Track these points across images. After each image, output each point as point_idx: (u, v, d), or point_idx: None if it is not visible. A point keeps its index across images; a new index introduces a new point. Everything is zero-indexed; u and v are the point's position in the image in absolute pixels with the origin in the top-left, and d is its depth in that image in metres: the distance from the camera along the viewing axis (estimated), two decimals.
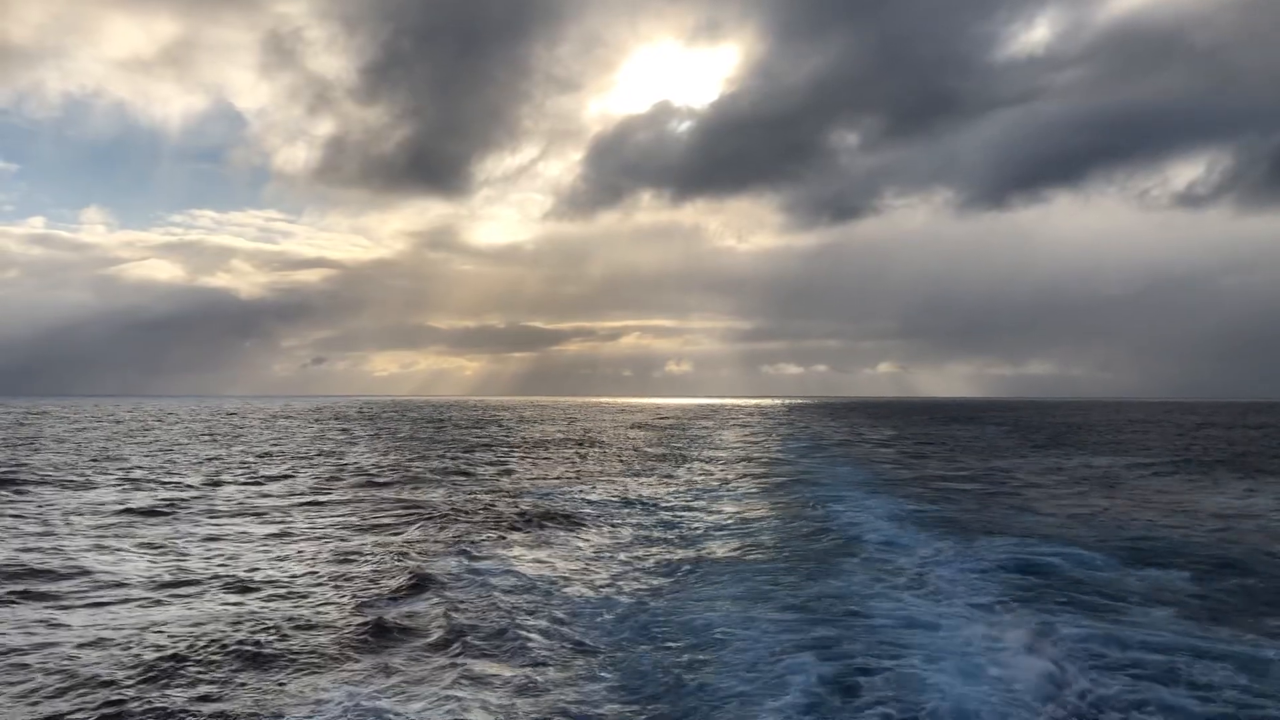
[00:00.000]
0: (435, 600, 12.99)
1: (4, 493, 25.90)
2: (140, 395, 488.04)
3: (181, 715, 8.67)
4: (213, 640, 10.97)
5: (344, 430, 70.51)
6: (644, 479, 31.91)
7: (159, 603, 13.26)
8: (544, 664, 10.24)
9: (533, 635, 11.29)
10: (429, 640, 11.14)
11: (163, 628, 11.73)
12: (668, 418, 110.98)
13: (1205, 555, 16.73)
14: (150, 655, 10.42)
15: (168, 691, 9.30)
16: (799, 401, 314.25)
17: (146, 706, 8.84)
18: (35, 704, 9.04)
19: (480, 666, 10.10)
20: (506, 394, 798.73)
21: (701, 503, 25.15)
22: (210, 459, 39.56)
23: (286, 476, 31.87)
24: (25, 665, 10.18)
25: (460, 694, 9.23)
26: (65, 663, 10.26)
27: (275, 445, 50.46)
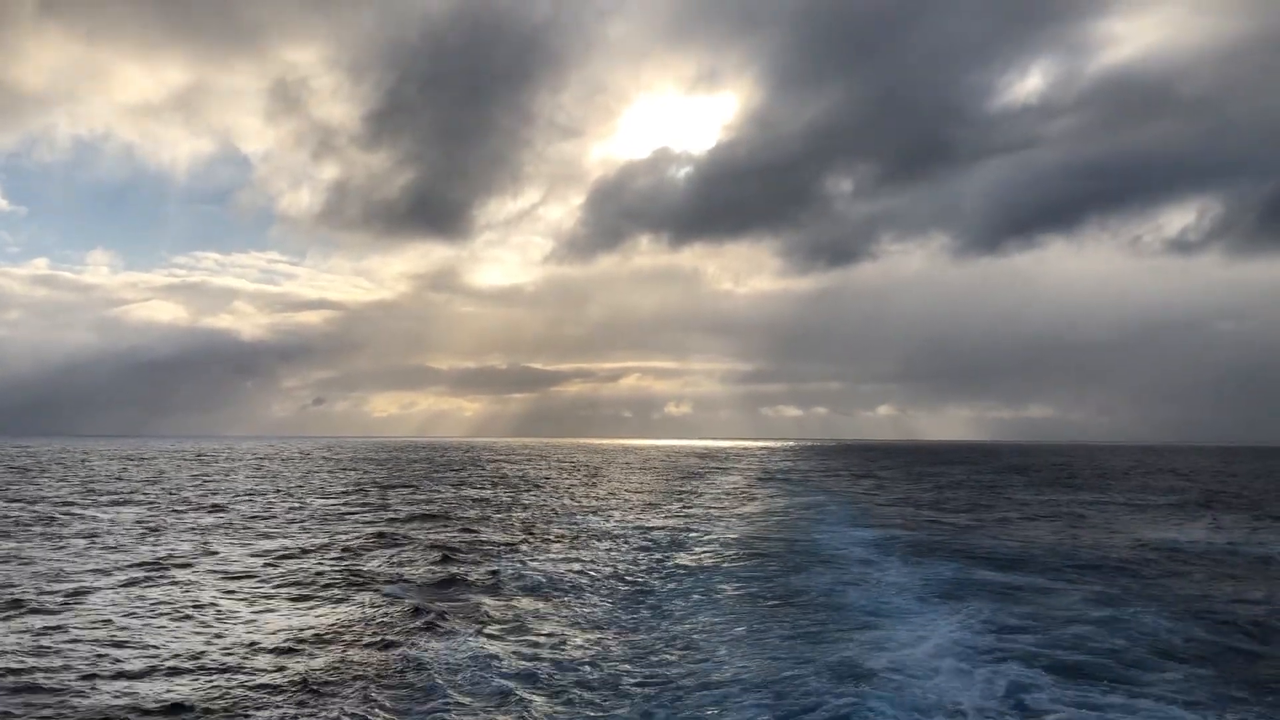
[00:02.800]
0: (490, 579, 16.80)
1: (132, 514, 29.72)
2: (143, 435, 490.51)
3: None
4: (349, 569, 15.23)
5: (355, 469, 74.13)
6: (645, 508, 35.61)
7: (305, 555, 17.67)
8: (568, 621, 14.02)
9: (556, 602, 15.14)
10: (489, 594, 14.95)
11: (310, 562, 15.88)
12: (666, 460, 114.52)
13: (1119, 566, 20.53)
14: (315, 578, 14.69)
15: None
16: (791, 444, 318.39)
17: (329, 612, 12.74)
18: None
19: (529, 607, 13.88)
20: (506, 435, 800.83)
21: (697, 525, 28.94)
22: (262, 489, 43.30)
23: (337, 499, 35.58)
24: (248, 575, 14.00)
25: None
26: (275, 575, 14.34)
27: (308, 480, 54.12)
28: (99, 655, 12.46)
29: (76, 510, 33.13)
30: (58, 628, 14.01)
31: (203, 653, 12.64)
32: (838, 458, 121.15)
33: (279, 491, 44.81)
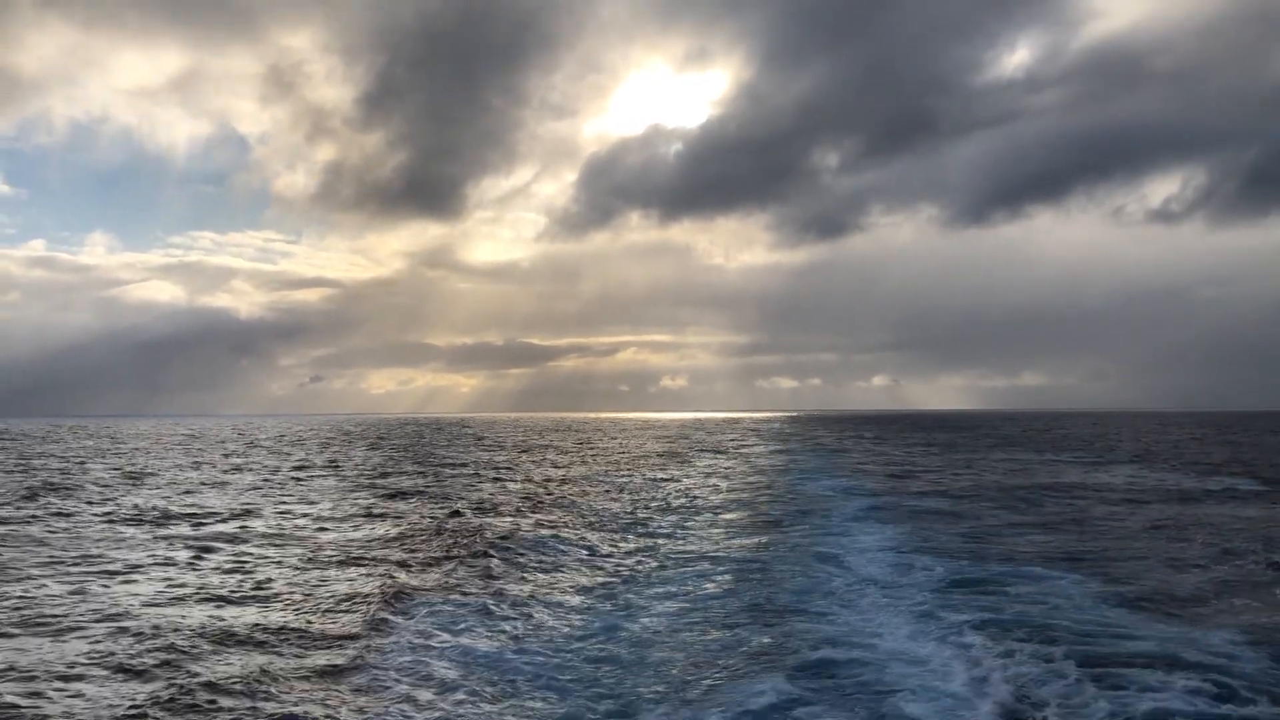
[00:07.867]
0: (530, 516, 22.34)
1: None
2: (141, 415, 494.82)
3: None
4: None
5: (375, 446, 79.38)
6: (648, 469, 41.28)
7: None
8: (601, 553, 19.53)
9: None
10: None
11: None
12: (667, 435, 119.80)
13: (1045, 500, 26.17)
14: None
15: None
16: (781, 415, 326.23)
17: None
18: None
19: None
20: (503, 410, 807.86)
21: (697, 480, 34.61)
22: (311, 456, 48.73)
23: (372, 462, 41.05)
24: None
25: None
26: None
27: (339, 454, 59.49)
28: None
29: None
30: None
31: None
32: (834, 427, 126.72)
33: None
